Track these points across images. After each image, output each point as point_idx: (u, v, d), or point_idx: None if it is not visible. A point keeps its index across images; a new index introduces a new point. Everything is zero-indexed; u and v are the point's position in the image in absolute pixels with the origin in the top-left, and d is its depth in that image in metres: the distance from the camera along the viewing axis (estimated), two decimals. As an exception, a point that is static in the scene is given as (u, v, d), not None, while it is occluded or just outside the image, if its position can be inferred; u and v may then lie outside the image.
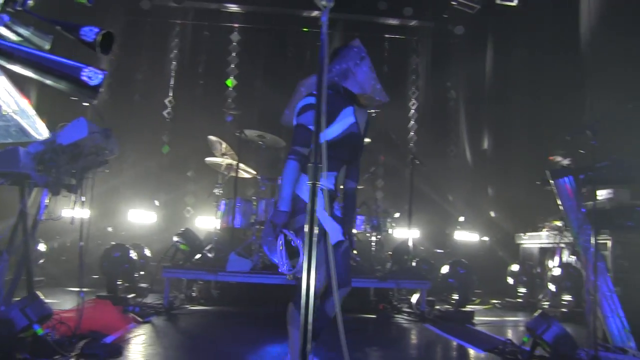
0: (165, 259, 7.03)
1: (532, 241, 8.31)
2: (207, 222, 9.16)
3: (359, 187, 3.69)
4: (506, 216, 9.73)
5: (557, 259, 7.52)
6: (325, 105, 3.23)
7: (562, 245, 7.27)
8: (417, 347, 5.21)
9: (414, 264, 7.74)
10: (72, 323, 3.99)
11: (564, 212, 4.57)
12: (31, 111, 2.67)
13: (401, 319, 6.48)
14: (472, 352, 4.81)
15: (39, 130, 2.73)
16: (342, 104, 3.32)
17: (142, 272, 7.25)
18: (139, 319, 5.35)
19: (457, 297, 6.87)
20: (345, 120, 3.33)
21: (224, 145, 7.45)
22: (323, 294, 3.39)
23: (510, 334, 5.78)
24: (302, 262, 3.01)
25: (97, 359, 3.71)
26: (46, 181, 3.90)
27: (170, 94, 11.07)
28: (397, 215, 8.33)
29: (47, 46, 1.91)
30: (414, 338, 5.61)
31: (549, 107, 8.49)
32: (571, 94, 7.82)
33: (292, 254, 3.07)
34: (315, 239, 2.16)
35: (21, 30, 1.86)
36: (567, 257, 7.36)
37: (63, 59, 1.73)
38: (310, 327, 2.12)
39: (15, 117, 2.55)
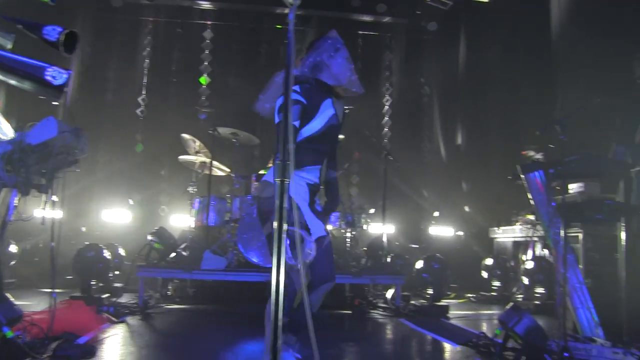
0: (140, 258, 6.98)
1: (506, 235, 8.40)
2: (181, 220, 9.12)
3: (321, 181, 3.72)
4: (480, 211, 9.82)
5: (530, 252, 7.60)
6: (306, 100, 3.27)
7: (535, 238, 7.35)
8: (392, 342, 5.25)
9: (388, 259, 7.79)
10: (44, 325, 3.95)
11: (534, 206, 4.63)
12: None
13: (376, 314, 6.52)
14: (446, 345, 4.85)
15: (4, 130, 2.70)
16: (321, 97, 3.35)
17: (116, 272, 7.20)
18: (113, 318, 5.30)
19: (432, 292, 6.93)
20: (325, 113, 3.36)
21: (198, 143, 7.42)
22: (307, 287, 3.41)
23: (485, 327, 5.84)
24: (311, 253, 3.13)
25: (70, 360, 3.69)
26: (15, 181, 3.84)
27: (144, 92, 10.97)
28: (372, 211, 8.36)
29: (9, 45, 1.89)
30: (389, 333, 5.64)
31: (521, 102, 8.58)
32: (543, 89, 7.92)
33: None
34: (284, 235, 2.18)
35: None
36: (540, 250, 7.44)
37: (26, 59, 1.72)
38: (280, 323, 2.14)
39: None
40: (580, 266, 5.85)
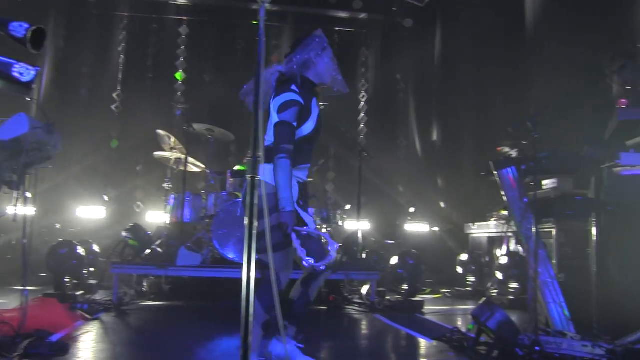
0: (114, 255, 6.93)
1: (481, 231, 8.47)
2: (157, 216, 9.07)
3: (309, 180, 3.78)
4: (455, 207, 9.91)
5: (504, 247, 7.69)
6: (303, 101, 3.32)
7: (509, 234, 7.43)
8: (367, 338, 5.28)
9: (364, 255, 7.82)
10: (15, 323, 3.91)
11: (507, 202, 4.68)
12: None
13: (352, 310, 6.54)
14: (420, 341, 4.88)
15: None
16: (310, 97, 3.41)
17: (91, 269, 7.14)
18: (87, 316, 5.25)
19: (407, 288, 6.98)
20: (314, 113, 3.43)
21: (173, 139, 7.38)
22: (306, 279, 3.48)
23: (460, 322, 5.89)
24: (334, 254, 3.23)
25: (42, 358, 3.65)
26: (-14, 178, 3.80)
27: (119, 87, 10.88)
28: (347, 207, 8.40)
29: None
30: (364, 328, 5.67)
31: (496, 99, 8.67)
32: (518, 85, 8.00)
33: (310, 250, 3.15)
34: (255, 231, 2.20)
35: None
36: (514, 246, 7.53)
37: (-7, 55, 1.71)
38: (251, 319, 2.15)
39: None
40: (554, 261, 5.95)
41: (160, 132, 7.43)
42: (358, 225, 7.55)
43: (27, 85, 1.68)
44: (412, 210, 10.52)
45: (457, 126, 10.13)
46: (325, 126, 3.54)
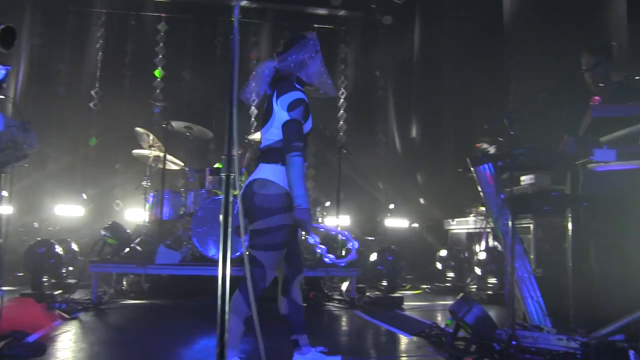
0: (93, 254, 6.88)
1: (460, 227, 8.54)
2: (136, 214, 9.01)
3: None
4: (435, 203, 9.95)
5: (483, 243, 7.75)
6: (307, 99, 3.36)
7: (488, 230, 7.49)
8: (347, 334, 5.30)
9: (343, 252, 7.84)
10: (-8, 323, 3.88)
11: (484, 198, 4.71)
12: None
13: (332, 307, 6.57)
14: (399, 336, 4.92)
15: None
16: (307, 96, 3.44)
17: (70, 268, 7.10)
18: (65, 315, 5.22)
19: (386, 284, 7.02)
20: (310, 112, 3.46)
21: (151, 137, 7.34)
22: (284, 288, 3.52)
23: (439, 318, 5.94)
24: (355, 252, 3.36)
25: (19, 359, 3.62)
26: (-40, 177, 3.76)
27: (97, 85, 10.79)
28: (327, 204, 8.41)
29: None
30: (344, 325, 5.70)
31: (476, 96, 8.71)
32: (497, 82, 8.06)
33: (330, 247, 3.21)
34: (230, 229, 2.20)
35: None
36: (492, 241, 7.59)
37: (-38, 54, 1.69)
38: (227, 317, 2.15)
39: None
40: (531, 256, 6.02)
41: (139, 129, 7.39)
42: (338, 222, 7.57)
43: (-2, 85, 1.66)
44: (391, 206, 10.56)
45: (436, 123, 10.18)
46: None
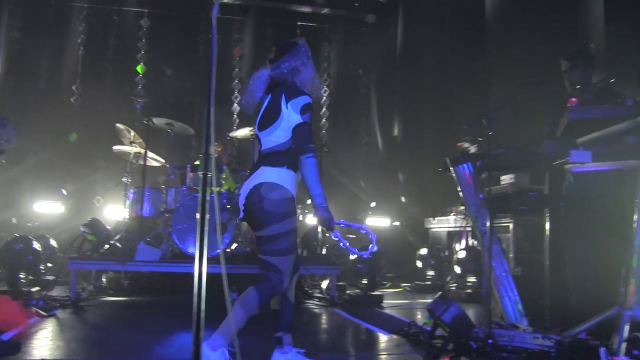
0: (72, 250, 6.84)
1: (441, 225, 8.58)
2: (116, 211, 8.96)
3: None
4: (416, 201, 10.00)
5: (463, 242, 7.80)
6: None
7: (468, 229, 7.54)
8: (326, 332, 5.32)
9: (324, 250, 7.87)
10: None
11: (463, 198, 4.76)
12: None
13: (312, 304, 6.58)
14: (378, 334, 4.95)
15: None
16: None
17: (48, 264, 7.04)
18: (42, 313, 5.16)
19: (366, 282, 7.04)
20: None
21: (132, 133, 7.31)
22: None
23: (419, 316, 5.98)
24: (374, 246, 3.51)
25: (-7, 356, 3.59)
26: None
27: (78, 80, 10.69)
28: (308, 202, 8.42)
29: None
30: (323, 323, 5.71)
31: (457, 95, 8.77)
32: (479, 80, 8.12)
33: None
34: (207, 227, 2.21)
35: None
36: (472, 240, 7.65)
37: None
38: (202, 314, 2.16)
39: None
40: (511, 255, 6.09)
41: (120, 125, 7.35)
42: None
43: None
44: (373, 204, 10.59)
45: (418, 122, 10.23)
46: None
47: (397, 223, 10.40)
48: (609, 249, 4.24)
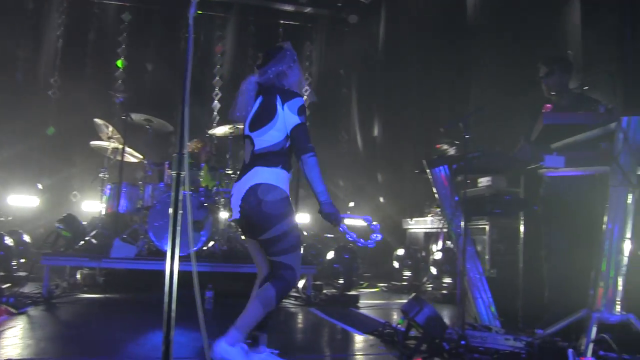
0: (46, 246, 6.77)
1: (418, 226, 8.62)
2: (93, 206, 8.88)
3: None
4: (394, 202, 10.04)
5: (440, 243, 7.85)
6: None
7: (445, 230, 7.59)
8: (302, 332, 5.32)
9: (301, 249, 7.87)
10: None
11: (439, 200, 4.80)
12: None
13: (288, 304, 6.58)
14: (353, 335, 4.96)
15: None
16: None
17: (21, 260, 6.97)
18: (12, 310, 5.03)
19: (343, 282, 7.06)
20: None
21: (111, 128, 7.26)
22: (263, 281, 3.58)
23: (395, 316, 6.00)
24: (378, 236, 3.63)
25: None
26: None
27: (56, 73, 10.58)
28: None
29: None
30: (299, 322, 5.71)
31: (438, 96, 8.81)
32: (459, 82, 8.17)
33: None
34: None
35: None
36: (448, 241, 7.70)
37: None
38: (173, 314, 2.15)
39: None
40: (487, 257, 6.15)
41: (98, 121, 7.30)
42: (297, 219, 7.59)
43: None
44: (351, 204, 10.61)
45: (398, 123, 10.26)
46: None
47: (375, 223, 10.40)
48: (582, 252, 4.30)
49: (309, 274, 6.74)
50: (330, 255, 7.36)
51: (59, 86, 10.52)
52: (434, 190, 4.80)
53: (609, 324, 3.70)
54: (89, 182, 8.69)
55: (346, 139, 11.93)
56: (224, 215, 7.24)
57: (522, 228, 5.16)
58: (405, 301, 4.42)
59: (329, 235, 9.82)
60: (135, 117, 7.10)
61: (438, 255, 7.41)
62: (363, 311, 6.29)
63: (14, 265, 6.59)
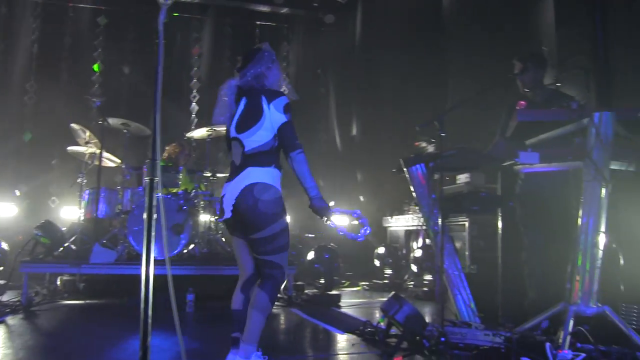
0: (24, 253, 6.70)
1: (398, 224, 8.65)
2: (72, 212, 8.79)
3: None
4: (374, 200, 10.07)
5: (420, 240, 7.90)
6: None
7: (425, 227, 7.62)
8: (283, 332, 5.32)
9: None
10: None
11: (416, 198, 4.82)
12: None
13: (269, 305, 6.58)
14: (334, 334, 4.99)
15: None
16: None
17: (0, 268, 6.90)
18: (-10, 319, 5.04)
19: (324, 282, 7.08)
20: None
21: (88, 133, 7.20)
22: (245, 283, 3.59)
23: (376, 315, 6.01)
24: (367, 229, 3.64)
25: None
26: None
27: (32, 78, 10.47)
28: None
29: None
30: (280, 323, 5.71)
31: (415, 94, 8.85)
32: (436, 80, 8.21)
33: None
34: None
35: None
36: (428, 239, 7.74)
37: None
38: (150, 320, 2.15)
39: None
40: (467, 253, 6.20)
41: (75, 126, 7.24)
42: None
43: None
44: (331, 204, 10.57)
45: (376, 121, 10.29)
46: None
47: (355, 222, 10.42)
48: (559, 246, 4.36)
49: (290, 274, 6.74)
50: (311, 255, 7.38)
51: (35, 91, 10.42)
52: (412, 188, 4.83)
53: (585, 316, 3.77)
54: (67, 187, 8.62)
55: (325, 138, 11.95)
56: (204, 217, 7.23)
57: (499, 224, 5.21)
58: (386, 299, 4.45)
59: (309, 235, 9.82)
60: (112, 121, 7.05)
61: (418, 253, 7.45)
62: (345, 310, 6.32)
63: (-8, 273, 6.53)
